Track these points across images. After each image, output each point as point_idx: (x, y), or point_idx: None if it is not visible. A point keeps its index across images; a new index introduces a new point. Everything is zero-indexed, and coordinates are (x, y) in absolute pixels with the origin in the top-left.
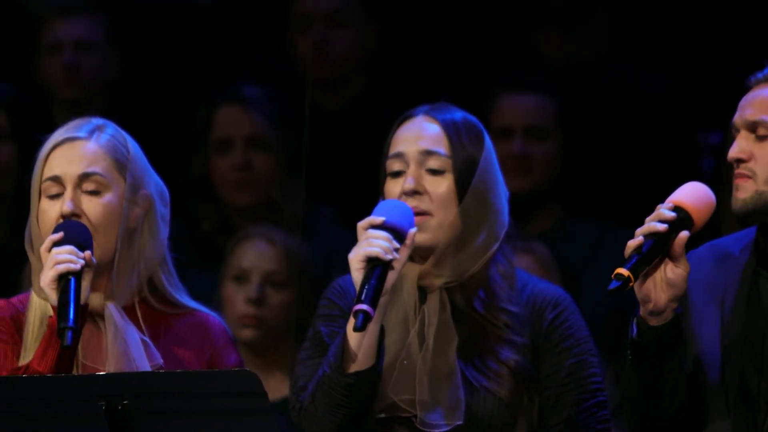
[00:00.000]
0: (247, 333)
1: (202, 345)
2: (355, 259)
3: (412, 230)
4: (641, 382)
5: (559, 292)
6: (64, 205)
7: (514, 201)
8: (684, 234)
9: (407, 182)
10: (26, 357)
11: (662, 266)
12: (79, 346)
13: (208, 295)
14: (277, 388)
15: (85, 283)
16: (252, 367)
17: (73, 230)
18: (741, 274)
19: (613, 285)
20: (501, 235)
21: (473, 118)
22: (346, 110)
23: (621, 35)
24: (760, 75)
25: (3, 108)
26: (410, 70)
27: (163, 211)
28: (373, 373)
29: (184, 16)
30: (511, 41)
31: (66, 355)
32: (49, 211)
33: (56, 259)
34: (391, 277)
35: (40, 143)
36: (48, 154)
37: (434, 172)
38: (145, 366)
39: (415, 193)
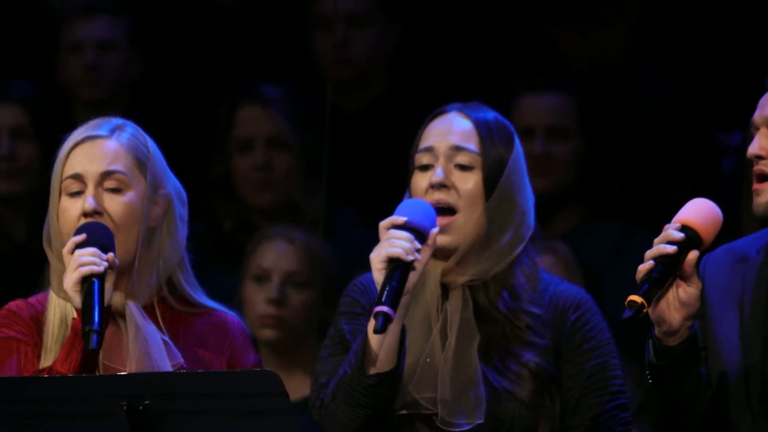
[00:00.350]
0: (267, 333)
1: (222, 344)
2: (377, 259)
3: (434, 230)
4: (662, 399)
5: (581, 294)
6: (86, 202)
7: (535, 201)
8: (694, 254)
9: (435, 174)
10: (47, 357)
11: (674, 287)
12: None
13: (229, 295)
14: (297, 388)
15: (108, 285)
16: (272, 366)
17: (96, 232)
18: (758, 275)
19: (627, 314)
20: (527, 237)
21: (505, 120)
22: (367, 110)
23: (642, 35)
24: None
25: (25, 107)
26: (431, 71)
27: (182, 210)
28: (395, 375)
29: (206, 16)
30: (533, 41)
31: (90, 358)
32: (70, 209)
33: (79, 261)
34: (413, 277)
35: (61, 142)
36: (69, 152)
37: (463, 168)
38: (166, 366)
39: (442, 186)
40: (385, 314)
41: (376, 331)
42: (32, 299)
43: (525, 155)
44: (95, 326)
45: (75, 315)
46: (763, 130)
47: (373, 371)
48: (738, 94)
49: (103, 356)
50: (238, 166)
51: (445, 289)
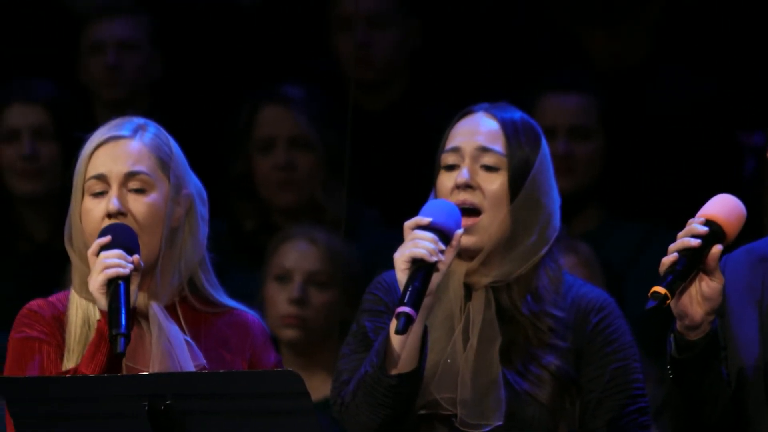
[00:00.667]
0: (289, 333)
1: (243, 344)
2: (401, 259)
3: (459, 231)
4: (683, 394)
5: (603, 296)
6: (110, 203)
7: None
8: (717, 248)
9: (461, 175)
10: (69, 358)
11: (697, 281)
12: None
13: (250, 294)
14: (319, 388)
15: (133, 287)
16: (294, 366)
17: (121, 233)
18: None
19: (650, 304)
20: (552, 239)
21: (532, 121)
22: (389, 110)
23: (664, 36)
24: None
25: (46, 108)
26: (452, 71)
27: (203, 210)
28: (416, 376)
29: (227, 16)
30: (555, 41)
31: (115, 360)
32: (93, 209)
33: (105, 264)
34: (436, 278)
35: (83, 142)
36: (92, 153)
37: (488, 169)
38: (189, 366)
39: (467, 186)
40: (407, 315)
41: (397, 332)
42: (53, 298)
43: None
44: (122, 329)
45: (99, 316)
46: None
47: (394, 371)
48: (760, 95)
49: (126, 357)
50: (260, 166)
51: (469, 290)
